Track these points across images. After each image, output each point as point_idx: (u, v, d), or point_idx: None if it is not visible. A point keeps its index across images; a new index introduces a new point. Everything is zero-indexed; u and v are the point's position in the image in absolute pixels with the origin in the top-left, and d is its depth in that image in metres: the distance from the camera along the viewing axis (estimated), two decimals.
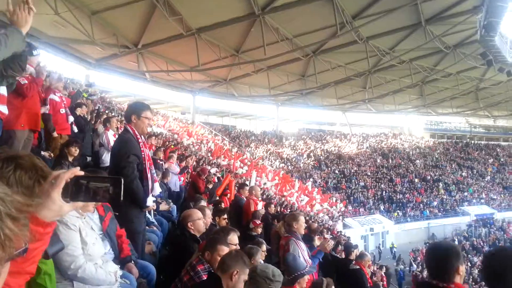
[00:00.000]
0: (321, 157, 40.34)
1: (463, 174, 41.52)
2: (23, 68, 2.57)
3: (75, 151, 5.53)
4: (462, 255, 2.53)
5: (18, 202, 0.74)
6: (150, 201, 4.05)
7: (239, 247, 3.82)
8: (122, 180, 1.20)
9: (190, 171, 11.84)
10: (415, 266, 23.37)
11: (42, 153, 5.69)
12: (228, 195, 10.59)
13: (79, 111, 7.77)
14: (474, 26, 25.11)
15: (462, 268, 2.46)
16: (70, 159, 5.48)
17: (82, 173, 1.19)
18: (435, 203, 35.44)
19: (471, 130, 51.78)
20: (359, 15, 24.43)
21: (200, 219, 4.19)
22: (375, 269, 13.28)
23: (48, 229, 1.16)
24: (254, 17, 23.32)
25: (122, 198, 1.20)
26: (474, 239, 30.14)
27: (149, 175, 3.94)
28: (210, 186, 9.85)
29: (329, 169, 38.35)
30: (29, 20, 2.26)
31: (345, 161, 40.20)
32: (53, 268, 2.20)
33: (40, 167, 1.42)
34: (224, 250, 3.18)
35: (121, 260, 3.29)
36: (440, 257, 2.50)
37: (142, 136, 4.02)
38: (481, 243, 28.95)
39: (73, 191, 1.16)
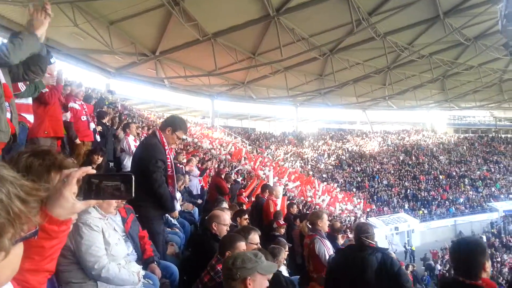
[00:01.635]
0: (342, 156, 40.00)
1: (490, 169, 40.41)
2: (44, 71, 2.66)
3: (97, 159, 5.74)
4: (487, 250, 2.50)
5: (26, 186, 0.78)
6: (178, 206, 4.12)
7: (260, 247, 3.82)
8: (133, 177, 1.21)
9: (212, 174, 11.95)
10: (438, 266, 22.82)
11: None
12: (244, 194, 10.66)
13: (104, 120, 8.01)
14: (495, 17, 24.47)
15: (488, 264, 2.44)
16: (94, 166, 5.65)
17: (93, 171, 1.20)
18: (461, 200, 34.60)
19: (496, 124, 50.34)
20: (375, 12, 24.19)
21: (226, 226, 4.18)
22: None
23: (62, 227, 1.18)
24: (269, 18, 23.39)
25: (133, 195, 1.20)
26: (504, 236, 29.26)
27: (174, 182, 4.10)
28: (228, 186, 9.90)
29: (351, 168, 37.98)
30: (45, 23, 2.37)
31: (367, 159, 39.74)
32: None
33: (53, 154, 1.47)
34: (243, 247, 3.17)
35: (144, 261, 3.34)
36: (465, 254, 2.46)
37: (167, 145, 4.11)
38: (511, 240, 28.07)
39: (85, 190, 1.18)
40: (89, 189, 1.18)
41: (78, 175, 1.16)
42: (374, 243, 3.79)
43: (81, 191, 1.17)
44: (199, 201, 8.83)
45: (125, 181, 1.20)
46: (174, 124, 4.09)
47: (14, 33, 2.32)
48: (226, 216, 4.29)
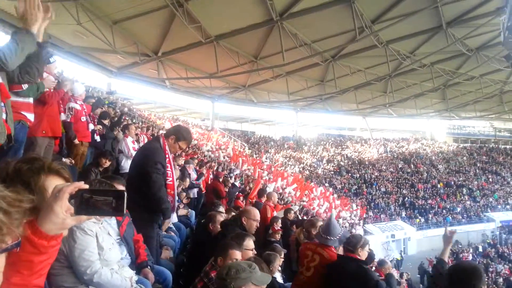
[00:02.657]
0: (341, 162, 39.99)
1: (488, 179, 40.40)
2: (40, 73, 2.56)
3: (104, 162, 5.85)
4: (484, 276, 2.50)
5: (9, 197, 0.76)
6: (174, 217, 4.11)
7: (255, 252, 3.79)
8: (125, 194, 1.20)
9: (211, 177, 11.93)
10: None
11: (63, 159, 5.79)
12: (241, 198, 10.65)
13: (105, 121, 8.00)
14: (497, 28, 24.50)
15: None
16: (101, 168, 5.78)
17: (86, 186, 1.19)
18: (458, 209, 34.57)
19: (496, 134, 50.45)
20: (378, 19, 24.24)
21: (256, 221, 4.49)
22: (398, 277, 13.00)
23: (52, 242, 1.16)
24: (272, 23, 23.42)
25: (125, 212, 1.19)
26: (499, 246, 29.25)
27: (175, 192, 4.11)
28: (226, 189, 9.90)
29: (349, 174, 37.95)
30: (39, 17, 2.15)
31: (365, 166, 39.72)
32: None
33: (41, 159, 1.46)
34: (237, 254, 3.14)
35: (137, 265, 3.30)
36: (462, 279, 2.46)
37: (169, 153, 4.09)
38: (507, 251, 28.02)
39: (77, 205, 1.16)
40: (81, 204, 1.16)
41: (70, 190, 1.15)
42: (356, 254, 3.78)
43: (71, 206, 1.16)
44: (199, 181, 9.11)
45: (117, 197, 1.18)
46: (178, 133, 4.07)
47: (15, 32, 2.19)
48: (256, 212, 4.59)
